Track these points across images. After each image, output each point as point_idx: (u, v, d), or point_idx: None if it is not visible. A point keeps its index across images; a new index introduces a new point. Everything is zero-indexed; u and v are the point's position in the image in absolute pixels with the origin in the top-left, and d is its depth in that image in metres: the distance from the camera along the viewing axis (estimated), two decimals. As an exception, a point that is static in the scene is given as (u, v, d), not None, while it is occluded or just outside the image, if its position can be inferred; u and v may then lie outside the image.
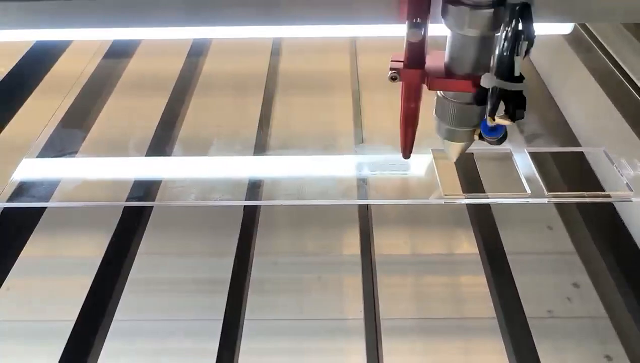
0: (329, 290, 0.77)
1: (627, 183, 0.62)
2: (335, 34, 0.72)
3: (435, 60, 0.50)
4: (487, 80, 0.46)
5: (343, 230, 0.83)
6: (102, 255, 0.68)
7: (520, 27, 0.43)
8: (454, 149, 0.55)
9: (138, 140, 0.80)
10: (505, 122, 0.46)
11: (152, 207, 0.76)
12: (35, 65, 0.99)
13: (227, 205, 0.66)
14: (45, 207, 0.74)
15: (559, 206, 0.79)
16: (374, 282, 0.64)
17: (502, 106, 0.45)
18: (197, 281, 0.79)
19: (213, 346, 0.60)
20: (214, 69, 1.00)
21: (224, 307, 0.63)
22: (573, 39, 0.93)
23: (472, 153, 0.69)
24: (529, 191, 0.61)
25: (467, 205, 0.76)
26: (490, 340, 0.67)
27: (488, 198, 0.64)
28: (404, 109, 0.53)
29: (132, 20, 0.50)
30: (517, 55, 0.44)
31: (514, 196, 0.61)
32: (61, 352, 0.58)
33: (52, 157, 0.76)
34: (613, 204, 0.73)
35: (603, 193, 0.63)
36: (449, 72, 0.50)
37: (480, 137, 0.52)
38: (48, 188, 0.68)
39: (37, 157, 0.75)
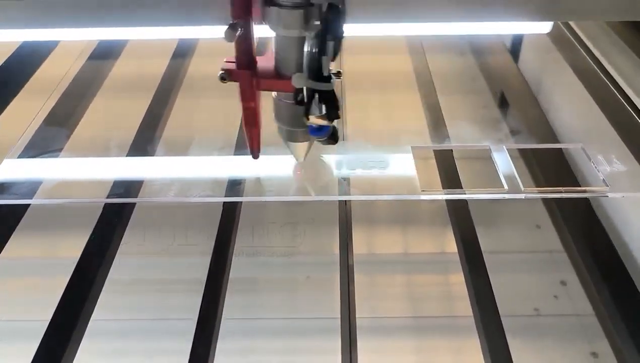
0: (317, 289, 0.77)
1: (603, 179, 0.62)
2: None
3: (267, 61, 0.51)
4: (298, 80, 0.46)
5: (325, 229, 0.82)
6: (80, 254, 0.68)
7: (327, 26, 0.43)
8: (297, 149, 0.56)
9: (121, 140, 0.80)
10: (322, 122, 0.47)
11: (132, 207, 0.76)
12: (21, 66, 0.99)
13: (207, 202, 0.66)
14: (26, 209, 0.74)
15: (548, 205, 0.79)
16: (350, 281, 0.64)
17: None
18: (176, 281, 0.79)
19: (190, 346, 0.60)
20: (198, 70, 1.00)
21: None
22: (555, 37, 0.93)
23: (452, 150, 0.69)
24: (506, 187, 0.61)
25: (455, 204, 0.75)
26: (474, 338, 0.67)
27: (465, 194, 0.63)
28: (244, 110, 0.54)
29: (118, 20, 0.50)
30: (324, 55, 0.44)
31: (491, 192, 0.61)
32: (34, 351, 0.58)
33: (34, 157, 0.76)
34: (602, 202, 0.73)
35: (579, 188, 0.63)
36: (277, 73, 0.50)
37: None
38: (29, 187, 0.68)
39: (19, 157, 0.75)
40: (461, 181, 0.68)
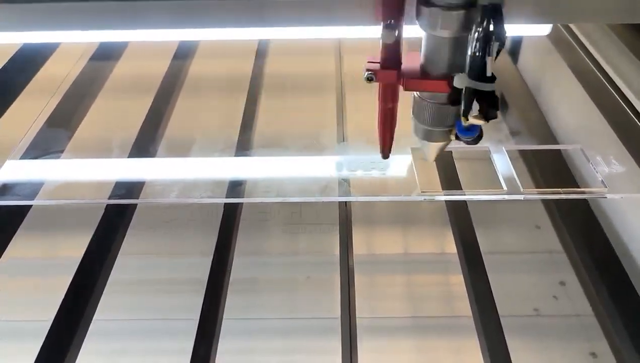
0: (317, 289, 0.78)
1: (601, 180, 0.63)
2: (316, 35, 0.73)
3: (411, 61, 0.51)
4: (460, 81, 0.46)
5: (325, 230, 0.83)
6: (82, 255, 0.69)
7: (491, 28, 0.44)
8: (431, 149, 0.56)
9: (122, 141, 0.80)
10: (479, 122, 0.47)
11: (134, 208, 0.76)
12: (22, 67, 0.99)
13: (208, 203, 0.66)
14: (28, 210, 0.74)
15: (547, 205, 0.79)
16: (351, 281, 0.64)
17: (477, 106, 0.46)
18: (178, 281, 0.79)
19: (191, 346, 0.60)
20: (200, 71, 1.00)
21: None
22: (554, 39, 0.93)
23: (451, 151, 0.69)
24: (505, 188, 0.61)
25: (454, 205, 0.76)
26: (474, 338, 0.67)
27: (465, 194, 0.64)
28: (382, 110, 0.53)
29: (120, 23, 0.50)
30: (488, 56, 0.44)
31: (491, 193, 0.61)
32: (37, 352, 0.58)
33: (36, 158, 0.76)
34: (601, 203, 0.74)
35: (578, 189, 0.63)
36: (424, 73, 0.50)
37: (457, 137, 0.52)
38: (31, 188, 0.69)
39: (21, 158, 0.75)
40: (460, 182, 0.69)
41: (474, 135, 0.51)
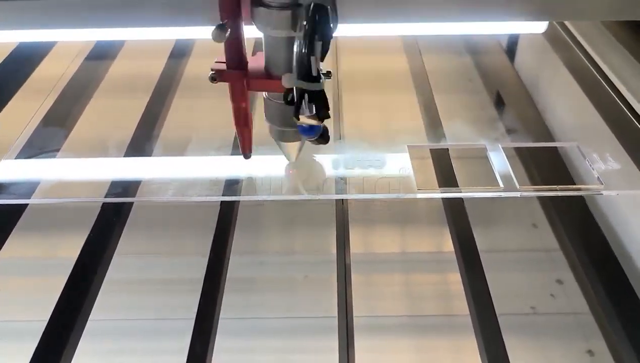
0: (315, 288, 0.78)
1: (598, 177, 0.63)
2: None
3: (257, 61, 0.51)
4: (287, 81, 0.47)
5: (323, 230, 0.83)
6: (78, 254, 0.69)
7: (314, 27, 0.43)
8: (289, 149, 0.56)
9: (118, 140, 0.80)
10: (312, 122, 0.47)
11: (130, 207, 0.76)
12: (18, 66, 0.99)
13: (204, 202, 0.66)
14: (24, 209, 0.74)
15: (544, 203, 0.79)
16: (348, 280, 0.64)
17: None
18: (174, 281, 0.79)
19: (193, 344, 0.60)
20: (195, 70, 1.00)
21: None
22: (550, 37, 0.93)
23: (448, 149, 0.69)
24: (502, 185, 0.61)
25: (451, 203, 0.76)
26: (472, 337, 0.67)
27: (461, 192, 0.64)
28: (234, 109, 0.54)
29: (116, 20, 0.50)
30: (313, 56, 0.44)
31: (487, 190, 0.61)
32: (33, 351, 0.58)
33: (32, 157, 0.76)
34: (598, 201, 0.74)
35: (574, 186, 0.64)
36: (268, 73, 0.50)
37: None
38: (27, 187, 0.68)
39: (17, 157, 0.75)
40: (457, 180, 0.69)
41: (314, 134, 0.51)
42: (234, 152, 0.75)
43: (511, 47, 1.03)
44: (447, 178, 0.68)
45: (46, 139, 0.80)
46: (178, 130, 0.87)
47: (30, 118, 0.84)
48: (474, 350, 0.60)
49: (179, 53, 1.03)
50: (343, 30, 0.48)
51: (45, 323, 0.61)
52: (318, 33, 0.43)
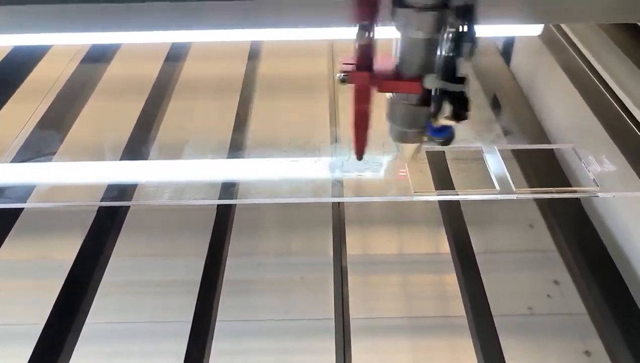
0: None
1: (593, 179, 0.63)
2: (309, 37, 0.72)
3: (385, 62, 0.51)
4: (431, 82, 0.47)
5: (320, 232, 0.83)
6: (75, 257, 0.69)
7: (462, 29, 0.43)
8: (407, 150, 0.56)
9: (114, 143, 0.80)
10: (450, 123, 0.47)
11: (126, 210, 0.76)
12: (13, 69, 0.99)
13: (201, 205, 0.66)
14: (20, 212, 0.74)
15: (541, 205, 0.80)
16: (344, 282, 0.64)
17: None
18: (171, 283, 0.79)
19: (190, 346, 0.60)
20: (192, 73, 1.00)
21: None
22: (546, 39, 0.93)
23: (444, 151, 0.69)
24: (498, 187, 0.61)
25: (448, 205, 0.76)
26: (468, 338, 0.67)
27: (457, 194, 0.64)
28: (356, 111, 0.53)
29: (112, 25, 0.50)
30: (459, 57, 0.44)
31: (483, 192, 0.62)
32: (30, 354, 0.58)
33: (28, 160, 0.76)
34: (595, 202, 0.74)
35: (570, 189, 0.64)
36: (397, 74, 0.50)
37: (430, 138, 0.52)
38: (23, 191, 0.68)
39: (12, 161, 0.75)
40: (453, 182, 0.69)
41: (446, 135, 0.51)
42: (230, 155, 0.75)
43: (507, 48, 1.04)
44: (443, 180, 0.68)
45: (42, 142, 0.80)
46: (174, 132, 0.87)
47: (26, 121, 0.84)
48: (470, 351, 0.61)
49: (175, 56, 1.03)
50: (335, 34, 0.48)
51: (42, 326, 0.61)
52: (466, 34, 0.44)
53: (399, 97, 0.52)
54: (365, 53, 0.49)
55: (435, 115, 0.47)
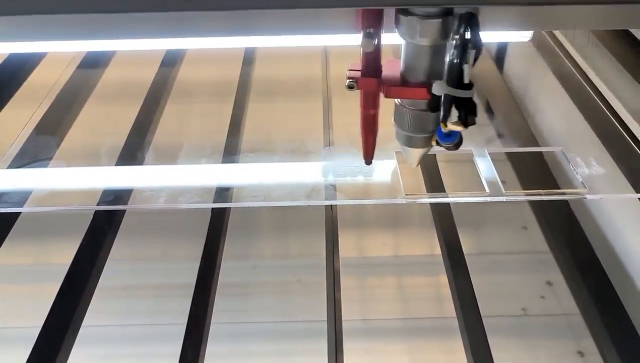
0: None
1: (582, 181, 0.63)
2: (302, 42, 0.73)
3: (391, 68, 0.51)
4: (438, 88, 0.47)
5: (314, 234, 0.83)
6: (71, 261, 0.69)
7: (467, 35, 0.44)
8: (413, 154, 0.56)
9: (110, 148, 0.81)
10: (458, 128, 0.47)
11: (122, 215, 0.76)
12: (10, 75, 0.99)
13: (196, 209, 0.67)
14: (16, 217, 0.74)
15: (534, 207, 0.80)
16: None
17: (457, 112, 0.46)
18: (167, 286, 0.79)
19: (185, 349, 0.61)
20: (187, 78, 1.01)
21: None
22: (538, 45, 0.94)
23: (435, 154, 0.70)
24: (488, 190, 0.62)
25: (439, 207, 0.76)
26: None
27: (448, 197, 0.64)
28: (363, 117, 0.54)
29: (107, 34, 0.50)
30: (465, 63, 0.45)
31: (473, 195, 0.62)
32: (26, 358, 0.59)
33: (25, 165, 0.76)
34: (587, 204, 0.74)
35: (559, 191, 0.64)
36: (404, 80, 0.51)
37: (438, 143, 0.53)
38: (19, 196, 0.69)
39: (9, 166, 0.76)
40: (445, 184, 0.69)
41: (454, 141, 0.52)
42: (225, 159, 0.75)
43: (500, 55, 1.04)
44: (434, 182, 0.69)
45: (39, 148, 0.80)
46: (170, 137, 0.88)
47: (22, 126, 0.85)
48: (465, 353, 0.61)
49: (171, 60, 1.04)
50: (332, 40, 0.49)
51: (38, 330, 0.62)
52: (471, 41, 0.44)
53: (406, 103, 0.52)
54: (372, 59, 0.50)
55: (444, 120, 0.47)
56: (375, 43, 0.47)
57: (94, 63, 1.03)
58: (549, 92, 0.89)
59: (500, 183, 0.62)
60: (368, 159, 0.57)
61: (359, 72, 0.51)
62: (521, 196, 0.64)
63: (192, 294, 0.66)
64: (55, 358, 0.59)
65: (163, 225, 0.85)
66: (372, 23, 0.47)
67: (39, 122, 0.87)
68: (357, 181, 0.65)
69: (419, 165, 0.58)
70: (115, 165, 0.77)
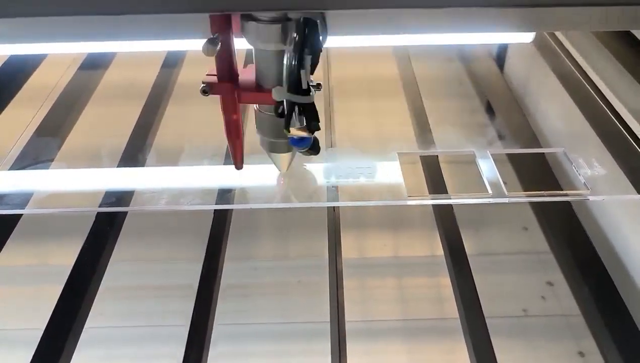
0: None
1: (584, 182, 0.64)
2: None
3: (248, 74, 0.52)
4: (278, 94, 0.47)
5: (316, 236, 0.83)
6: (73, 263, 0.69)
7: (304, 41, 0.44)
8: (280, 160, 0.57)
9: (112, 149, 0.81)
10: (302, 134, 0.48)
11: (124, 216, 0.76)
12: (11, 76, 0.99)
13: (198, 210, 0.67)
14: (18, 219, 0.74)
15: (534, 207, 0.80)
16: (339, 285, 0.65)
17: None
18: (169, 288, 0.79)
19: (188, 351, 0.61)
20: (188, 79, 1.01)
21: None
22: (539, 45, 0.94)
23: (437, 156, 0.70)
24: (490, 191, 0.62)
25: (442, 208, 0.76)
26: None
27: (451, 199, 0.64)
28: (226, 122, 0.54)
29: (107, 35, 0.50)
30: (302, 69, 0.45)
31: (476, 196, 0.62)
32: (29, 360, 0.59)
33: (26, 167, 0.76)
34: (588, 205, 0.75)
35: (561, 192, 0.64)
36: (258, 86, 0.51)
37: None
38: (21, 198, 0.69)
39: (11, 168, 0.76)
40: (447, 186, 0.69)
41: (306, 146, 0.52)
42: (226, 161, 0.75)
43: (501, 55, 1.05)
44: (436, 184, 0.69)
45: (40, 149, 0.80)
46: (171, 139, 0.88)
47: (24, 128, 0.85)
48: (466, 353, 0.61)
49: (172, 62, 1.04)
50: (334, 42, 0.49)
51: (41, 332, 0.62)
52: (308, 47, 0.44)
53: (263, 108, 0.53)
54: (226, 64, 0.50)
55: (286, 126, 0.47)
56: (217, 48, 0.46)
57: (95, 65, 1.03)
58: (550, 93, 0.90)
59: (502, 185, 0.62)
60: (239, 164, 0.57)
61: (215, 77, 0.51)
62: (524, 198, 0.64)
63: (194, 296, 0.66)
64: (58, 360, 0.59)
65: (165, 227, 0.85)
66: (219, 28, 0.47)
67: (40, 124, 0.87)
68: (359, 182, 0.65)
69: (422, 167, 0.58)
70: (117, 166, 0.77)
